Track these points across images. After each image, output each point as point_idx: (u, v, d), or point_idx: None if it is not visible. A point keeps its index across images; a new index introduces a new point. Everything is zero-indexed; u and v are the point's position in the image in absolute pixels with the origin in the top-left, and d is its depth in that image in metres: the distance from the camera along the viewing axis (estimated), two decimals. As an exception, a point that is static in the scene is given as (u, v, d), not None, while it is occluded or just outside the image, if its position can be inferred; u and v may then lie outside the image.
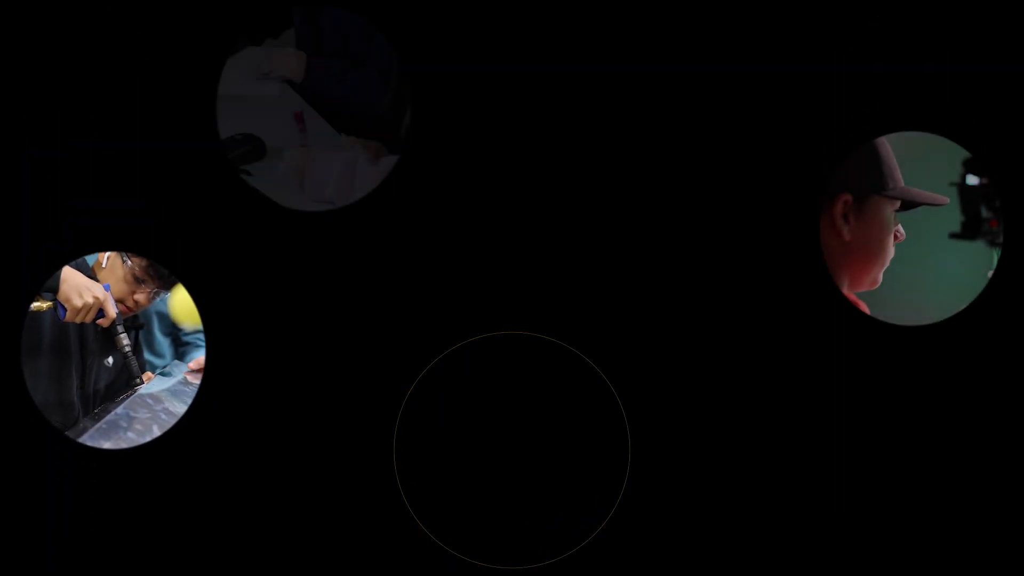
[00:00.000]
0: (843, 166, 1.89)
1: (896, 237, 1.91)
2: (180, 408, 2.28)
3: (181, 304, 2.43)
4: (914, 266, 2.01)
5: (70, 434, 2.26)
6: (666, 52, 2.10)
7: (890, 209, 1.89)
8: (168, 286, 2.40)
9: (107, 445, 2.22)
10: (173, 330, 2.75)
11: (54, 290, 2.26)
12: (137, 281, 2.39)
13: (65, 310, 2.29)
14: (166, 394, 2.43)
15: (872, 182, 1.87)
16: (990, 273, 2.01)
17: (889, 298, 1.99)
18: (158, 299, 2.47)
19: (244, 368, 2.13)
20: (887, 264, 1.91)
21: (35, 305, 2.25)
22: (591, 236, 2.12)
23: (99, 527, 2.14)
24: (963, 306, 2.02)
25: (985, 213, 2.02)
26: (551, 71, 2.13)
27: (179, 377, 2.56)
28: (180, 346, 2.76)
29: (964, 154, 2.00)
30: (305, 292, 2.15)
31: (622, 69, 2.10)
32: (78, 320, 2.31)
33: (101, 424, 2.31)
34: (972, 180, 2.03)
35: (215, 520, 2.14)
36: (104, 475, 2.14)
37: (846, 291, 1.96)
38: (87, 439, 2.24)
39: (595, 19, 2.10)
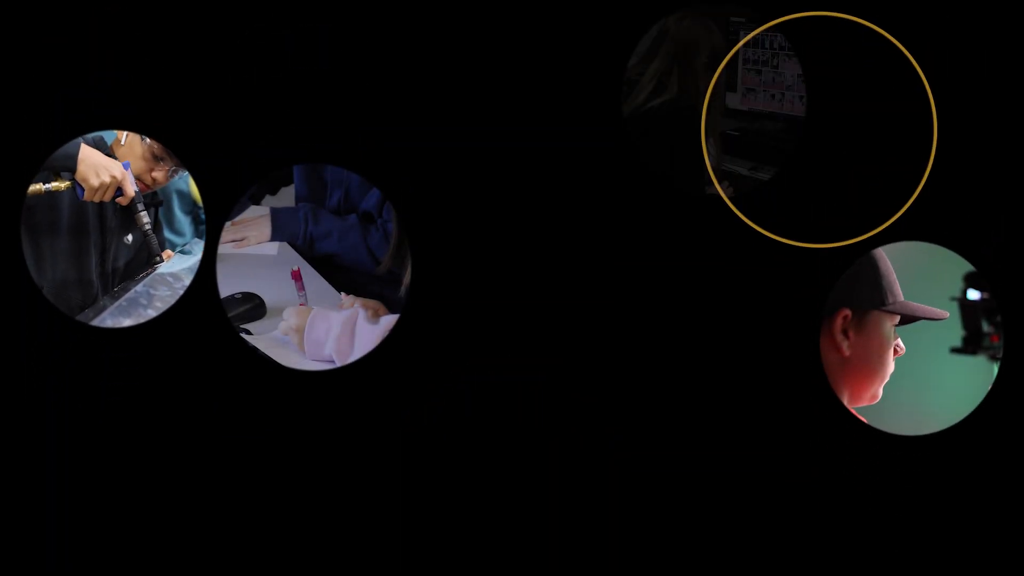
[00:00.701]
0: (842, 281, 1.87)
1: (896, 351, 1.89)
2: (201, 286, 2.29)
3: (201, 183, 2.39)
4: (914, 380, 1.99)
5: (90, 312, 2.29)
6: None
7: (890, 324, 1.87)
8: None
9: (127, 323, 2.24)
10: (193, 208, 2.73)
11: (72, 170, 2.26)
12: (155, 159, 2.38)
13: (83, 190, 2.27)
14: (186, 272, 2.43)
15: (871, 296, 1.85)
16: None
17: (889, 412, 1.97)
18: (177, 177, 2.45)
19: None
20: (887, 379, 1.89)
21: (54, 185, 2.26)
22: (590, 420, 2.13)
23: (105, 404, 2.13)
24: (963, 416, 2.01)
25: (986, 328, 2.01)
26: (552, 249, 2.14)
27: (199, 256, 2.50)
28: (200, 224, 2.72)
29: (965, 267, 2.00)
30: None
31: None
32: (96, 199, 2.32)
33: (121, 302, 2.34)
34: (973, 295, 2.02)
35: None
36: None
37: (846, 406, 1.94)
38: (107, 317, 2.27)
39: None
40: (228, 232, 3.00)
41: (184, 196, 2.73)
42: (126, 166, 2.33)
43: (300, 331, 2.41)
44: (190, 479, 2.14)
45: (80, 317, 2.31)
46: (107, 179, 2.29)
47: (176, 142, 2.12)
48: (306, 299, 2.75)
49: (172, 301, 2.24)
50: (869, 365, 1.87)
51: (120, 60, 2.10)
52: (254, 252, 3.03)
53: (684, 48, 2.52)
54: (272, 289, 2.83)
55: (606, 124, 2.14)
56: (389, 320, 2.35)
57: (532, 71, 2.13)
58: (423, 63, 2.12)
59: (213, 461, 2.14)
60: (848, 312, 1.85)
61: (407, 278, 2.31)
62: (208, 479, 2.14)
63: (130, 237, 2.51)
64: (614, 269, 2.12)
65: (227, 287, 2.30)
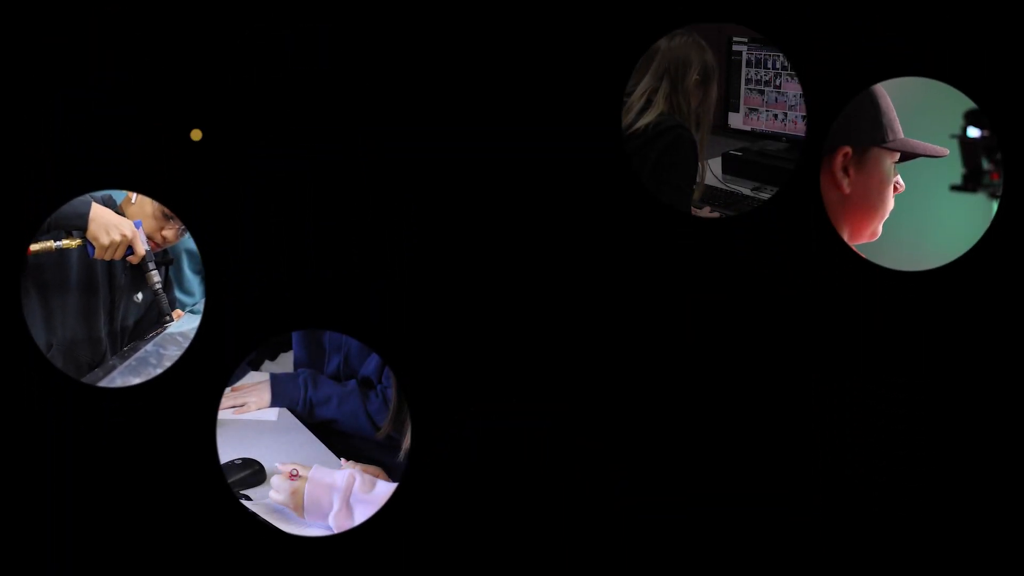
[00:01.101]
0: (842, 118, 1.88)
1: (896, 188, 1.88)
2: (210, 346, 2.27)
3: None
4: (914, 217, 1.98)
5: (99, 372, 2.27)
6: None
7: (890, 161, 1.87)
8: (197, 223, 2.35)
9: (136, 382, 2.18)
10: (203, 268, 2.67)
11: (83, 228, 2.25)
12: (165, 217, 2.36)
13: (94, 248, 2.26)
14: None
15: (871, 134, 1.85)
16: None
17: (888, 249, 1.96)
18: (187, 236, 2.42)
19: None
20: (887, 216, 1.88)
21: (64, 243, 2.25)
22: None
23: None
24: (962, 252, 1.99)
25: (986, 165, 2.00)
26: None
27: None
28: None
29: (965, 104, 1.99)
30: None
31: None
32: (107, 258, 2.31)
33: (131, 361, 2.31)
34: (973, 132, 2.01)
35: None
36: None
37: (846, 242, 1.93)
38: (116, 376, 2.23)
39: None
40: (228, 398, 3.00)
41: (194, 255, 2.73)
42: (137, 225, 2.34)
43: (297, 509, 2.40)
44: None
45: (89, 376, 2.31)
46: (118, 238, 2.31)
47: (175, 143, 2.13)
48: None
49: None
50: (869, 202, 1.87)
51: (120, 60, 2.13)
52: (254, 418, 3.02)
53: (675, 66, 2.56)
54: (271, 454, 2.81)
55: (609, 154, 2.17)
56: (387, 489, 2.33)
57: (536, 78, 2.16)
58: (424, 67, 2.15)
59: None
60: (848, 149, 1.85)
61: (406, 443, 2.31)
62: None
63: (140, 296, 2.52)
64: (619, 315, 2.13)
65: (227, 453, 2.30)
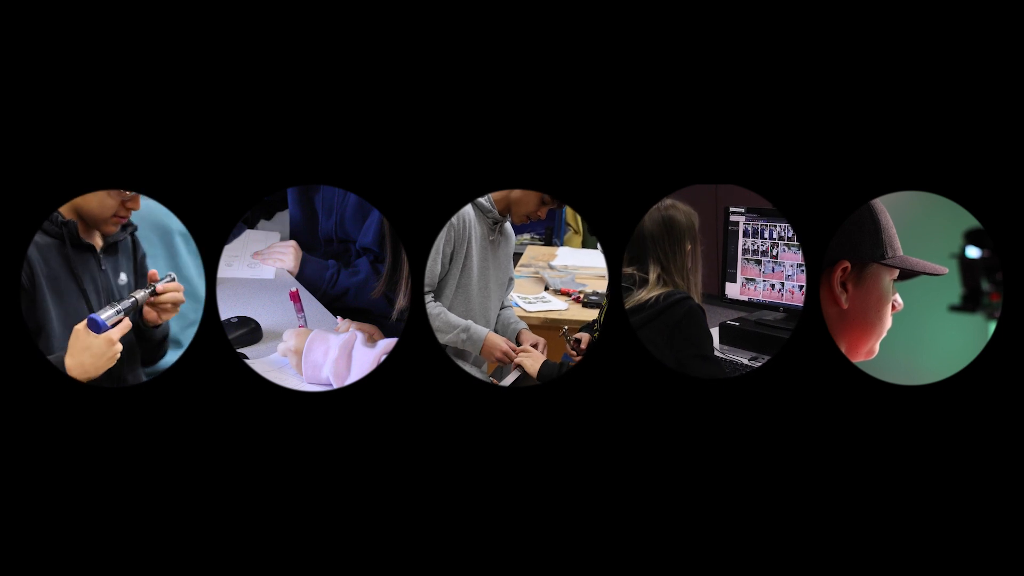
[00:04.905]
0: (842, 232, 1.86)
1: (894, 307, 1.87)
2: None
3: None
4: (911, 337, 1.98)
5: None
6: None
7: (889, 278, 1.85)
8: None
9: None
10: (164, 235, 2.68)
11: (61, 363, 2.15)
12: (122, 201, 2.31)
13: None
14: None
15: (871, 250, 1.84)
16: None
17: (884, 368, 1.96)
18: (174, 219, 2.38)
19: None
20: (884, 334, 1.87)
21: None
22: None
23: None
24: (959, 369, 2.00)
25: (985, 286, 1.99)
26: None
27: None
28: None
29: (966, 221, 1.98)
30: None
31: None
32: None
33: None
34: (973, 252, 2.00)
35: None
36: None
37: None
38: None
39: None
40: (259, 245, 3.14)
41: (187, 237, 2.71)
42: (103, 324, 2.17)
43: (299, 353, 2.41)
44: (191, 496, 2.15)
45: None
46: (113, 354, 2.17)
47: (173, 145, 2.12)
48: (305, 320, 2.75)
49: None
50: (867, 319, 1.85)
51: (120, 60, 2.11)
52: (253, 276, 3.05)
53: (665, 237, 2.58)
54: (268, 314, 2.83)
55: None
56: (386, 344, 2.35)
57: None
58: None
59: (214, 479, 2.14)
60: (848, 264, 1.83)
61: (401, 302, 2.31)
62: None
63: (123, 277, 2.47)
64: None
65: (225, 311, 2.28)
